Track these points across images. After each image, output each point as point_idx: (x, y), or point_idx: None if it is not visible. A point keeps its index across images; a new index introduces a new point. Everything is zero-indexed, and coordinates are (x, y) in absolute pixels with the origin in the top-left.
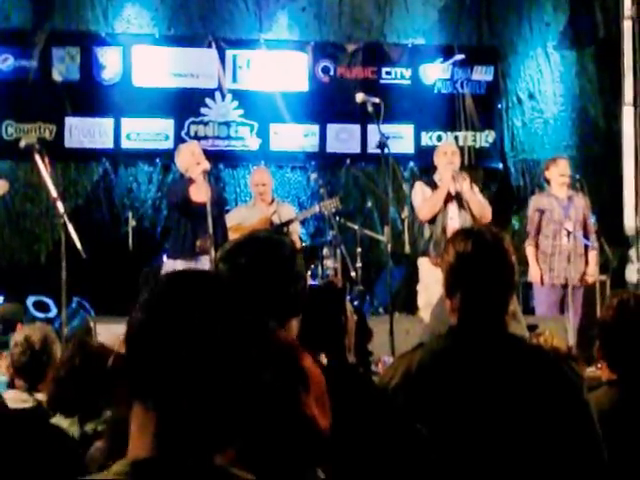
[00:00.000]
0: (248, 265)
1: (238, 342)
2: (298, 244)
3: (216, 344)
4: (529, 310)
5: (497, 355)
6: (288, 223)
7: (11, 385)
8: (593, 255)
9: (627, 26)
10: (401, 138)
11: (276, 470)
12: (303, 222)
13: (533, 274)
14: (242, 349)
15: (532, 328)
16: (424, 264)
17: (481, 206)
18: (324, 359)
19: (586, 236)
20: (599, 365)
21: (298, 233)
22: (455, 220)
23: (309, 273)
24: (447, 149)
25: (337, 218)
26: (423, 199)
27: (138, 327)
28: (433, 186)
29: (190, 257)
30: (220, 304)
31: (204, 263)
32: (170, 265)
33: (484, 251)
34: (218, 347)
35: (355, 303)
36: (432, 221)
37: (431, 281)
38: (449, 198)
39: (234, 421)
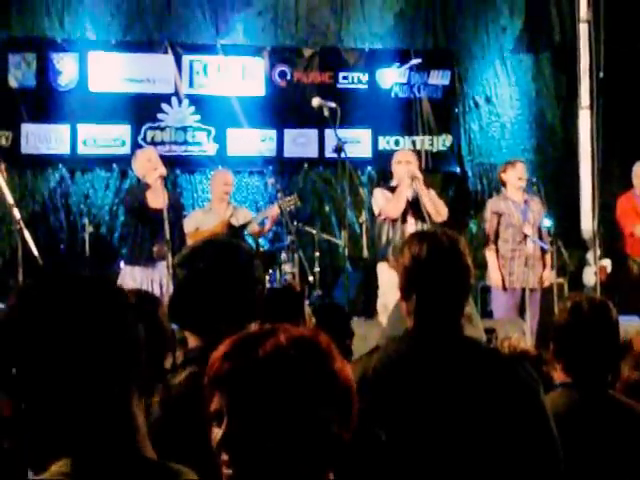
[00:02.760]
0: (206, 270)
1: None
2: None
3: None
4: (486, 313)
5: (453, 358)
6: (247, 225)
7: None
8: (549, 259)
9: (583, 30)
10: (358, 142)
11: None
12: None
13: (494, 279)
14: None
15: (489, 331)
16: (383, 270)
17: (435, 203)
18: None
19: (541, 239)
20: (554, 367)
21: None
22: (412, 226)
23: (267, 278)
24: (401, 158)
25: (295, 223)
26: (386, 200)
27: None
28: (392, 191)
29: (147, 263)
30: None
31: (161, 269)
32: (128, 271)
33: (439, 254)
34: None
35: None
36: (391, 226)
37: (389, 286)
38: (407, 206)
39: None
